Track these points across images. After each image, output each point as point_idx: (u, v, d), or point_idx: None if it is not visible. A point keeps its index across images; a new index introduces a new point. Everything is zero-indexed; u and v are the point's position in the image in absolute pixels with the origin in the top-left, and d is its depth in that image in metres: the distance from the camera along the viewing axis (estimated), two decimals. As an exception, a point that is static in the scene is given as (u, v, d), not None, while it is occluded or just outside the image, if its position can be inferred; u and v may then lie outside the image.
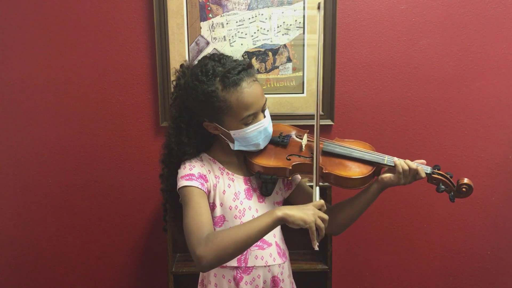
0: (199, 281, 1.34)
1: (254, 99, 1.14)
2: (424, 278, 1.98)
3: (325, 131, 1.80)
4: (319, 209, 1.07)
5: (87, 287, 1.96)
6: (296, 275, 1.41)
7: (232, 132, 1.17)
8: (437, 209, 1.91)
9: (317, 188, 1.15)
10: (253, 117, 1.16)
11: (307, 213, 1.03)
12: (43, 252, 1.92)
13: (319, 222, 1.04)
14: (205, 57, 1.20)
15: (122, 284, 1.96)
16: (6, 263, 1.93)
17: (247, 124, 1.16)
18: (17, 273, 1.94)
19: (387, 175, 1.21)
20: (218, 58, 1.17)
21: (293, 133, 1.31)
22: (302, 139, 1.27)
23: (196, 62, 1.22)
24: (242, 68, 1.14)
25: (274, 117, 1.74)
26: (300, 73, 1.78)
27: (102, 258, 1.93)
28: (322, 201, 1.10)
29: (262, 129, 1.19)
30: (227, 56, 1.19)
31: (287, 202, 1.35)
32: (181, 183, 1.17)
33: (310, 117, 1.79)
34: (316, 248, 1.06)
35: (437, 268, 1.97)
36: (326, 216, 1.06)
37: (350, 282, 1.98)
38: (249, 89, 1.13)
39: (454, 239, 1.94)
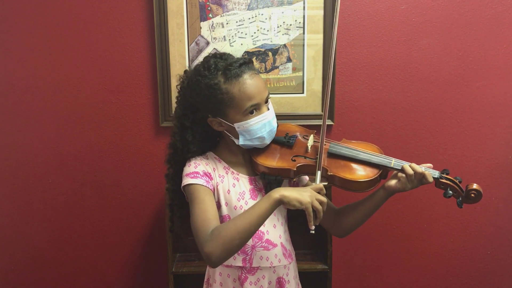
0: (205, 279, 1.35)
1: (256, 89, 1.16)
2: (424, 278, 1.97)
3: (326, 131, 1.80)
4: (318, 193, 1.09)
5: (87, 287, 1.96)
6: (296, 275, 1.41)
7: (236, 125, 1.18)
8: (437, 209, 1.91)
9: (319, 172, 1.16)
10: (256, 109, 1.17)
11: (304, 195, 1.05)
12: (43, 252, 1.92)
13: (316, 204, 1.05)
14: (207, 56, 1.23)
15: (122, 284, 1.96)
16: (6, 263, 1.93)
17: (250, 116, 1.17)
18: (17, 273, 1.94)
19: (393, 182, 1.20)
20: (219, 55, 1.21)
21: (299, 134, 1.30)
22: (308, 140, 1.26)
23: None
24: (243, 62, 1.18)
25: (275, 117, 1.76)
26: (300, 73, 1.78)
27: (102, 258, 1.93)
28: (321, 185, 1.12)
29: (266, 121, 1.19)
30: (228, 53, 1.23)
31: None
32: (186, 180, 1.18)
33: (310, 117, 1.79)
34: (312, 230, 1.08)
35: (437, 268, 1.97)
36: (324, 199, 1.08)
37: (350, 282, 1.98)
38: (250, 80, 1.16)
39: (454, 239, 1.94)
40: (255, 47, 1.76)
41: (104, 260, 1.93)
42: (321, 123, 1.25)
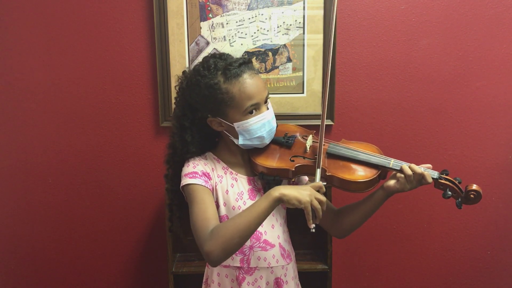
0: (204, 280, 1.35)
1: (255, 89, 1.16)
2: (424, 278, 1.97)
3: (325, 131, 1.79)
4: (317, 191, 1.09)
5: (87, 287, 1.96)
6: (296, 275, 1.41)
7: (236, 125, 1.18)
8: (437, 209, 1.91)
9: (318, 170, 1.16)
10: (256, 109, 1.18)
11: (303, 194, 1.05)
12: (43, 252, 1.92)
13: (315, 203, 1.05)
14: (206, 56, 1.23)
15: (122, 284, 1.96)
16: (6, 263, 1.93)
17: (250, 115, 1.17)
18: (17, 273, 1.94)
19: (391, 182, 1.20)
20: (219, 55, 1.22)
21: (299, 134, 1.31)
22: (307, 140, 1.26)
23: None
24: (243, 61, 1.18)
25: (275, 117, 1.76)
26: (300, 73, 1.78)
27: (102, 258, 1.93)
28: (321, 183, 1.11)
29: (265, 121, 1.19)
30: (227, 53, 1.23)
31: None
32: (185, 181, 1.18)
33: (310, 117, 1.79)
34: (312, 229, 1.08)
35: (437, 268, 1.97)
36: (323, 198, 1.08)
37: (350, 282, 1.98)
38: (250, 80, 1.16)
39: (454, 239, 1.94)
40: (255, 47, 1.76)
41: (104, 260, 1.93)
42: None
